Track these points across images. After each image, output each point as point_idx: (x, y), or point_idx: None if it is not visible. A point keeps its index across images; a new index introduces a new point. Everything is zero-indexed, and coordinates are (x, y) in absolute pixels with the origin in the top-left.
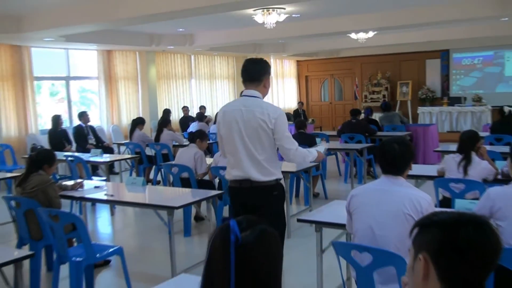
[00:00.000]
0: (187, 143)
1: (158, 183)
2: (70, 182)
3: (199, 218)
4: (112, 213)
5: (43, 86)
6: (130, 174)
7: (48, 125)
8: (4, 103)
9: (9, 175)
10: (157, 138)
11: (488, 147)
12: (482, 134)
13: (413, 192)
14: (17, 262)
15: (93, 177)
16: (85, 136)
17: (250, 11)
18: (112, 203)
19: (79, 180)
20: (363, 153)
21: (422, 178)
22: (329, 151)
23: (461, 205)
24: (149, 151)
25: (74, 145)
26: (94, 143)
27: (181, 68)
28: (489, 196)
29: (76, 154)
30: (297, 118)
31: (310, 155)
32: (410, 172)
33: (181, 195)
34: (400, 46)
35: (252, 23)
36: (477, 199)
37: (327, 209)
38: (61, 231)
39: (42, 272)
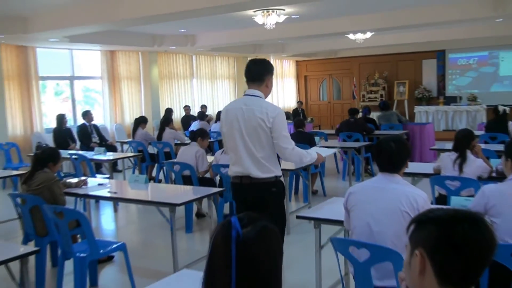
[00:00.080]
0: (188, 141)
1: (160, 181)
2: (74, 180)
3: (200, 215)
4: (115, 210)
5: (48, 86)
6: (133, 172)
7: (53, 124)
8: (10, 102)
9: (15, 172)
10: (159, 137)
11: (482, 146)
12: (477, 132)
13: (410, 189)
14: (23, 258)
15: (97, 175)
16: (89, 134)
17: (250, 12)
18: (116, 200)
19: (83, 178)
20: (361, 151)
21: (419, 175)
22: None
23: (457, 202)
24: (152, 150)
25: (78, 143)
26: (98, 141)
27: (182, 68)
28: (483, 193)
29: (80, 152)
30: (296, 117)
31: (308, 156)
32: (407, 170)
33: (183, 193)
34: (397, 46)
35: (252, 24)
36: (472, 196)
37: (326, 206)
38: (65, 228)
39: (47, 268)
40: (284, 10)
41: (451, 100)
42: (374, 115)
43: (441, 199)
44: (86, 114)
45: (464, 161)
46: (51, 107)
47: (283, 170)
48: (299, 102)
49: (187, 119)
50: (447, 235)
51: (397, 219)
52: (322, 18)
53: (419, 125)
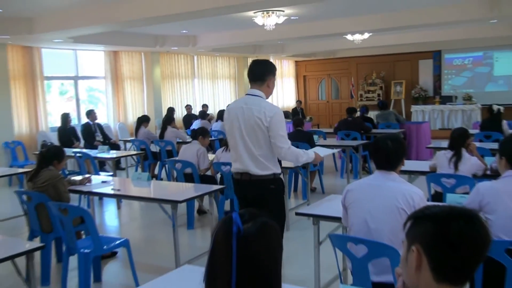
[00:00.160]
0: (190, 140)
1: (161, 178)
2: (78, 177)
3: (201, 212)
4: (119, 207)
5: (53, 86)
6: (136, 170)
7: (58, 123)
8: (16, 102)
9: (20, 170)
10: (162, 135)
11: (477, 144)
12: (472, 131)
13: (406, 187)
14: (28, 253)
15: (101, 173)
16: (93, 133)
17: (250, 13)
18: (119, 197)
19: (87, 175)
20: (359, 150)
21: (415, 173)
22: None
23: (452, 199)
24: (154, 148)
25: (82, 141)
26: (102, 140)
27: (184, 68)
28: (478, 190)
29: (84, 150)
30: (296, 116)
31: (305, 155)
32: (404, 168)
33: (185, 190)
34: (394, 47)
35: (252, 25)
36: (467, 193)
37: (324, 203)
38: (70, 224)
39: (52, 263)
40: (283, 11)
41: (447, 99)
42: (371, 114)
43: (437, 196)
44: (90, 113)
45: (460, 159)
46: (55, 106)
47: (282, 168)
48: (298, 102)
49: (189, 118)
50: (443, 232)
51: (393, 216)
52: (321, 19)
53: (415, 124)
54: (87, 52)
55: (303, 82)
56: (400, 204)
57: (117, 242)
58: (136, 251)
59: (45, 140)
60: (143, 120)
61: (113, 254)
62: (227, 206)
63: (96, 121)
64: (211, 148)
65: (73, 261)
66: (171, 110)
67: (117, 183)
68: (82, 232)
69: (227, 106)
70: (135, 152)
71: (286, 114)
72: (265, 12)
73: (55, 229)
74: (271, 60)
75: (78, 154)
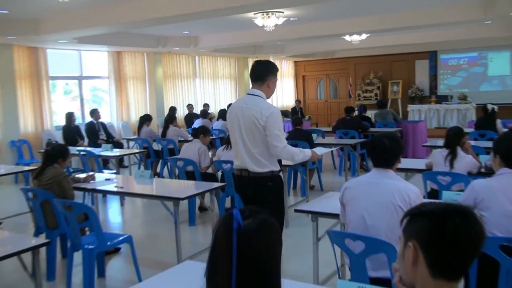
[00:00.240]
0: (191, 138)
1: (163, 176)
2: (82, 175)
3: (203, 209)
4: (122, 204)
5: (58, 85)
6: (139, 168)
7: (62, 122)
8: (22, 101)
9: (26, 168)
10: (164, 134)
11: (472, 142)
12: (467, 130)
13: (402, 184)
14: (34, 249)
15: (104, 170)
16: (97, 132)
17: (250, 14)
18: (122, 195)
19: (91, 173)
20: (357, 148)
21: (412, 171)
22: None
23: (448, 196)
24: (156, 146)
25: (86, 140)
26: (105, 138)
27: (186, 68)
28: (473, 188)
29: (88, 148)
30: (295, 115)
31: (301, 154)
32: (401, 166)
33: (186, 187)
34: (391, 47)
35: (252, 26)
36: (462, 190)
37: (323, 200)
38: (74, 221)
39: (57, 259)
40: (283, 12)
41: (443, 99)
42: (369, 113)
43: (433, 194)
44: (94, 112)
45: (455, 157)
46: (60, 106)
47: (282, 166)
48: (297, 101)
49: (190, 117)
50: (439, 228)
51: (390, 212)
52: (320, 20)
53: (412, 123)
54: (91, 53)
55: (302, 82)
56: (397, 201)
57: (121, 238)
58: (139, 247)
59: (50, 138)
60: (145, 119)
61: (116, 250)
62: (227, 203)
63: (100, 120)
64: (212, 146)
65: (78, 256)
66: (173, 109)
67: (120, 180)
68: (86, 228)
69: (229, 105)
70: (137, 151)
71: (286, 113)
72: (265, 14)
73: (60, 226)
74: (271, 60)
75: (82, 152)
